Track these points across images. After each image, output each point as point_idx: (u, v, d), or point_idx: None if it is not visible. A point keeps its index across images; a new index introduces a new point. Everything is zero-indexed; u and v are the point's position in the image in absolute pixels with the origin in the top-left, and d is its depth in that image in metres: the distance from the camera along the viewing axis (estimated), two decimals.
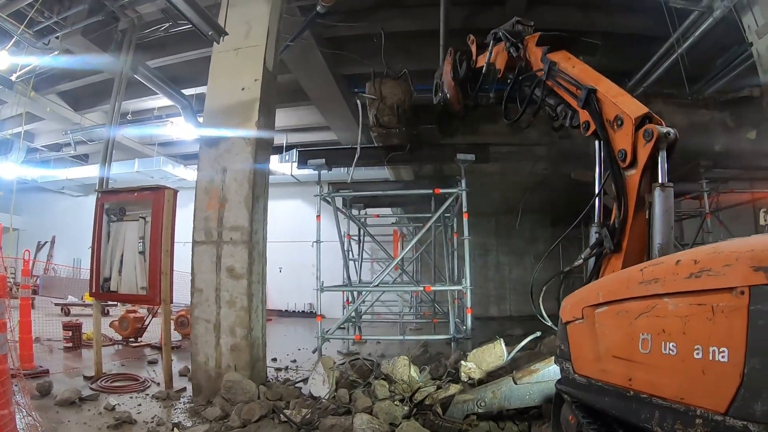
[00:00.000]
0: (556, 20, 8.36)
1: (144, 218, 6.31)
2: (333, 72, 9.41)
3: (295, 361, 8.20)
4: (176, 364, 6.78)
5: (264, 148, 6.19)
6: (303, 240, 17.17)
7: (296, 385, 6.08)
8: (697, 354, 1.80)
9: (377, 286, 8.14)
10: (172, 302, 6.23)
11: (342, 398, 4.88)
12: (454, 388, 4.90)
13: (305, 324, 14.98)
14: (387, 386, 5.11)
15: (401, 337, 8.60)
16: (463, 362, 5.41)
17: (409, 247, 7.91)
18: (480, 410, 4.43)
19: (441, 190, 7.71)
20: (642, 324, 2.11)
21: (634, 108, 3.19)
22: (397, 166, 9.21)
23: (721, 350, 1.71)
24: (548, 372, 4.30)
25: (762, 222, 3.71)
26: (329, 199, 8.29)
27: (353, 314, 9.57)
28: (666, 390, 1.95)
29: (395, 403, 4.85)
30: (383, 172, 14.78)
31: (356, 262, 11.19)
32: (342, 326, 9.29)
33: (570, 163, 10.07)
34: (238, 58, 6.19)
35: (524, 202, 13.94)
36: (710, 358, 1.74)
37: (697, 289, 1.85)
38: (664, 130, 2.97)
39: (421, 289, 8.35)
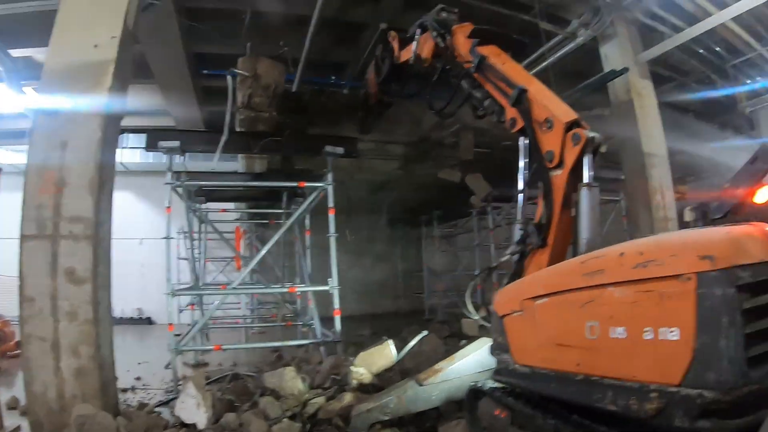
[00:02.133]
0: None
1: None
2: (185, 47, 8.33)
3: (139, 378, 7.04)
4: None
5: (115, 122, 5.10)
6: (129, 237, 15.38)
7: (155, 410, 5.12)
8: (648, 335, 2.03)
9: (234, 288, 7.34)
10: None
11: (230, 424, 4.12)
12: (349, 397, 4.55)
13: (136, 332, 13.28)
14: (276, 403, 4.48)
15: (278, 344, 7.81)
16: (352, 367, 5.01)
17: (270, 243, 7.22)
18: (386, 417, 4.18)
19: (307, 184, 7.27)
20: (587, 312, 2.31)
21: (564, 112, 3.35)
22: (252, 157, 8.46)
23: (671, 330, 1.95)
24: (452, 371, 4.24)
25: (687, 218, 4.11)
26: (179, 190, 7.27)
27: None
28: (617, 370, 2.17)
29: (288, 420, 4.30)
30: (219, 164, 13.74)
31: (196, 262, 10.07)
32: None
33: (424, 164, 10.26)
34: (94, 7, 5.02)
35: (366, 202, 13.96)
36: (660, 338, 1.99)
37: (644, 278, 2.08)
38: (591, 134, 3.17)
39: (285, 290, 7.74)
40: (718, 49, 8.72)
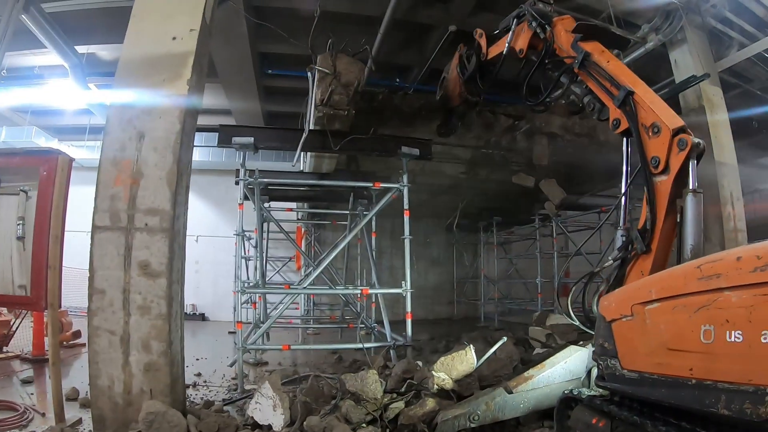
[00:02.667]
0: (495, 27, 8.19)
1: (26, 192, 4.73)
2: (252, 46, 8.34)
3: (199, 374, 6.95)
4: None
5: (192, 115, 5.00)
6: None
7: (224, 409, 4.99)
8: (765, 339, 2.00)
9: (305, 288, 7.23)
10: (60, 306, 4.78)
11: (313, 428, 3.93)
12: (431, 403, 4.29)
13: (191, 328, 13.43)
14: (357, 407, 4.28)
15: (355, 346, 7.61)
16: (434, 372, 4.78)
17: (344, 243, 7.11)
18: (473, 424, 4.03)
19: (382, 185, 7.08)
20: (702, 316, 2.30)
21: (672, 119, 3.35)
22: (321, 157, 8.38)
23: None
24: (542, 378, 4.16)
25: None
26: (252, 188, 7.22)
27: (261, 319, 8.48)
28: (733, 374, 2.15)
29: (368, 426, 4.10)
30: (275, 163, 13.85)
31: (258, 260, 10.08)
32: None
33: (491, 168, 10.02)
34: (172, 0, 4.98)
35: (426, 205, 13.75)
36: None
37: (762, 281, 2.05)
38: (696, 140, 3.18)
39: (358, 291, 7.63)
40: None
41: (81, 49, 8.46)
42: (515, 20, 4.74)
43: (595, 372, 3.52)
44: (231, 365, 6.80)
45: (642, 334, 2.71)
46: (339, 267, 11.28)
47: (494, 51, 5.22)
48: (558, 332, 7.98)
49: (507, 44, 4.82)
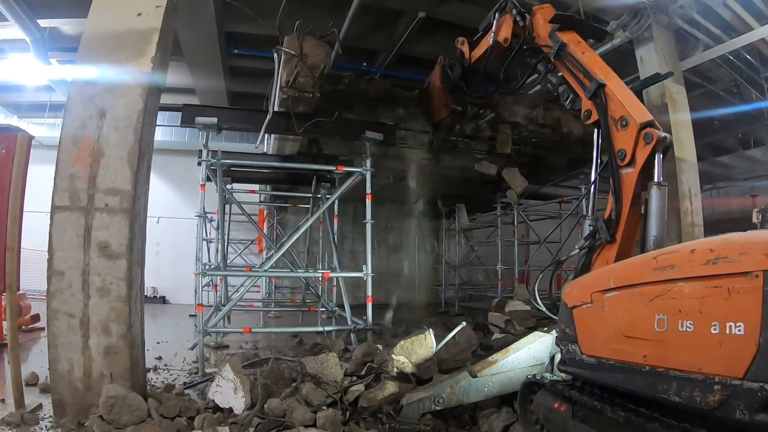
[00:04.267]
0: (464, 16, 8.21)
1: None
2: (219, 26, 8.18)
3: (160, 358, 6.85)
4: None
5: (155, 93, 4.88)
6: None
7: (185, 392, 4.96)
8: (714, 329, 2.10)
9: (266, 270, 7.20)
10: (18, 289, 4.64)
11: (273, 410, 3.97)
12: (391, 386, 4.37)
13: (151, 311, 13.17)
14: (318, 390, 4.33)
15: (316, 329, 7.68)
16: (393, 356, 4.86)
17: (306, 226, 7.12)
18: (438, 407, 4.12)
19: (345, 168, 7.10)
20: (657, 306, 2.39)
21: (640, 113, 3.46)
22: (285, 139, 8.31)
23: (737, 325, 2.02)
24: (506, 363, 4.18)
25: (755, 220, 4.09)
26: (214, 169, 7.11)
27: (222, 302, 8.44)
28: (683, 363, 2.23)
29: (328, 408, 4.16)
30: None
31: (219, 243, 9.95)
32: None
33: (454, 155, 10.10)
34: None
35: (387, 190, 13.78)
36: (727, 332, 2.05)
37: (714, 274, 2.14)
38: (662, 134, 3.28)
39: (319, 275, 7.66)
40: (749, 59, 8.73)
41: (43, 23, 8.14)
42: (497, 14, 4.88)
43: (558, 357, 3.61)
44: (192, 348, 6.76)
45: (600, 320, 2.80)
46: (301, 250, 11.24)
47: (477, 53, 5.34)
48: (516, 318, 8.20)
49: (491, 39, 4.94)
